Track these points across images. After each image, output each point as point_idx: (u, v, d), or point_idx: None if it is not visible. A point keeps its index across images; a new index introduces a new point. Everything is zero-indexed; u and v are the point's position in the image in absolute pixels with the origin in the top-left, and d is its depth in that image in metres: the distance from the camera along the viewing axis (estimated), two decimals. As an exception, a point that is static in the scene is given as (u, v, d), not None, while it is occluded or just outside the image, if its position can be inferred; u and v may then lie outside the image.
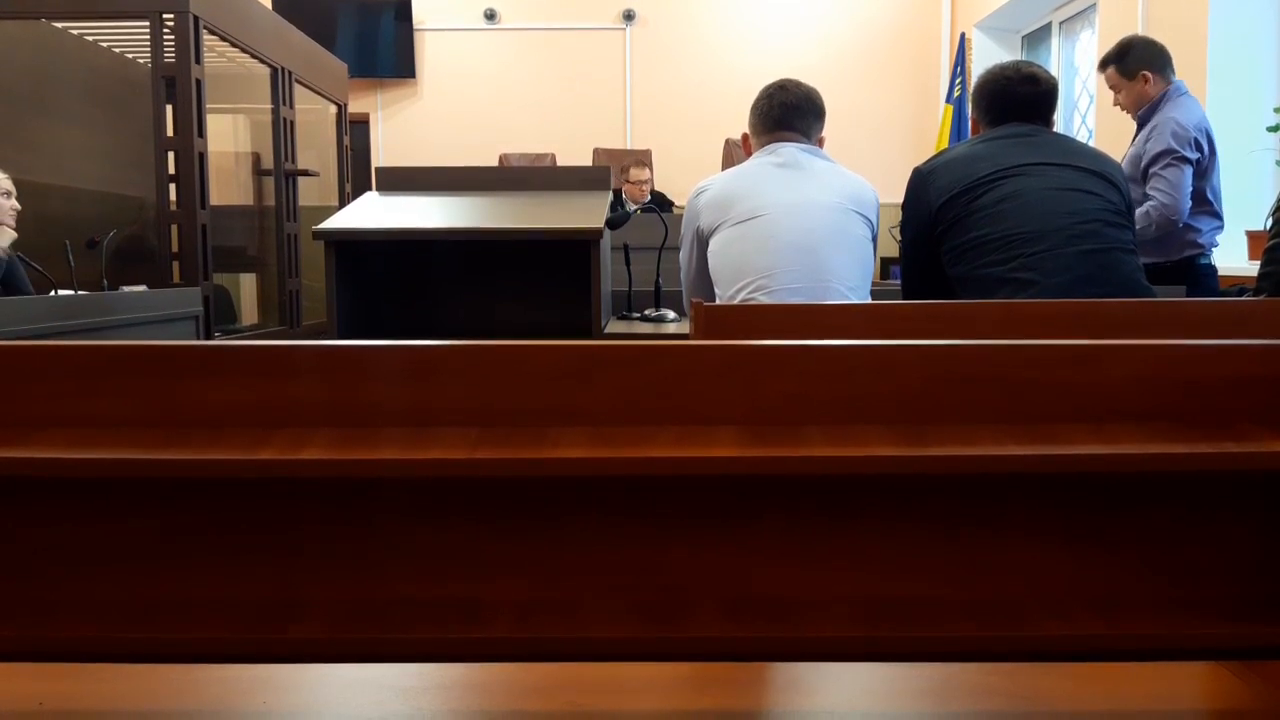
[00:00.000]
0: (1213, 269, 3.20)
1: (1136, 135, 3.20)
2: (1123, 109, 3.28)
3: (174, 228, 3.63)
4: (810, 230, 2.19)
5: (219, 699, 0.96)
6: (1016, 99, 2.18)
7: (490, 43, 7.54)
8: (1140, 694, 0.96)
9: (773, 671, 1.02)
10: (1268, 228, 2.27)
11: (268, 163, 4.55)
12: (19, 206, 3.06)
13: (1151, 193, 3.01)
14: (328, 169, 5.21)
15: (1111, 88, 3.27)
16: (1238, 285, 3.07)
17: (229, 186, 5.08)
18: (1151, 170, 3.06)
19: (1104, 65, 3.26)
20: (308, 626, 0.75)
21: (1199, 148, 3.05)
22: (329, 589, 0.76)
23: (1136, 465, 0.72)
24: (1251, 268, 3.17)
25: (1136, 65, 3.18)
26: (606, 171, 3.17)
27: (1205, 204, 3.12)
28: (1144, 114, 3.20)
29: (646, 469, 0.72)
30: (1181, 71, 3.23)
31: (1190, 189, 3.04)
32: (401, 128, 7.58)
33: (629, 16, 7.49)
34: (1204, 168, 3.07)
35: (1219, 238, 3.21)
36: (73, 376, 0.73)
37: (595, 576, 0.77)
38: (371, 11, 7.35)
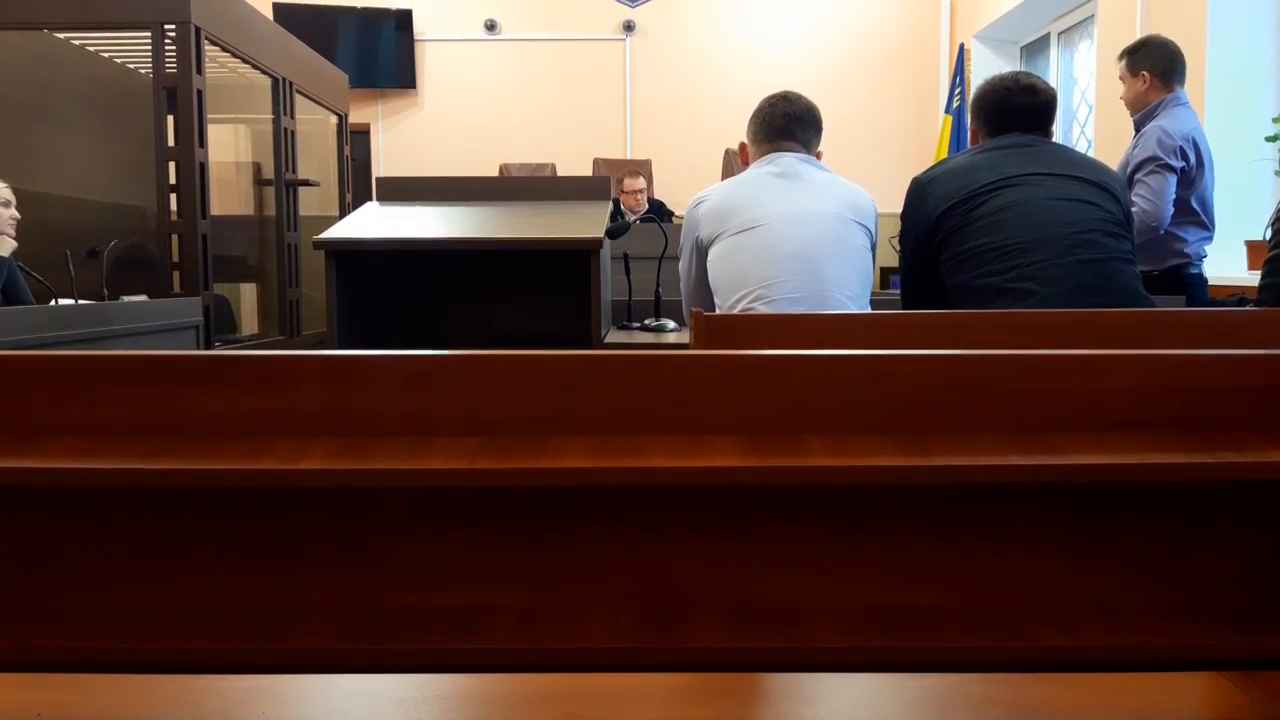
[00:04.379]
0: (1202, 279, 3.21)
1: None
2: (1125, 105, 3.30)
3: (174, 237, 3.63)
4: (809, 240, 2.20)
5: (218, 709, 0.96)
6: (1015, 109, 2.18)
7: (491, 53, 7.57)
8: (1140, 704, 0.96)
9: (773, 681, 1.02)
10: (1267, 238, 2.27)
11: (268, 173, 4.56)
12: (18, 215, 3.06)
13: (1134, 199, 3.02)
14: (328, 179, 5.22)
15: (1119, 79, 3.30)
16: (1238, 295, 3.08)
17: (230, 196, 5.09)
18: (1135, 177, 3.07)
19: (1119, 57, 3.29)
20: (307, 636, 0.75)
21: (1185, 157, 3.05)
22: (329, 598, 0.76)
23: (1136, 475, 0.72)
24: (1251, 277, 3.17)
25: (1141, 64, 3.20)
26: (606, 181, 3.17)
27: (1192, 214, 3.12)
28: (1140, 119, 3.22)
29: (646, 479, 0.72)
30: (1181, 81, 3.25)
31: (1173, 197, 3.05)
32: (402, 138, 7.60)
33: (629, 27, 7.51)
34: (1191, 178, 3.08)
35: (1208, 248, 3.21)
36: (73, 386, 0.73)
37: (594, 586, 0.77)
38: (372, 22, 7.38)
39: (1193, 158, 3.07)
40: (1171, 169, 3.03)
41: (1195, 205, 3.12)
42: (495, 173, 7.18)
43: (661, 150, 7.41)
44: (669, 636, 0.75)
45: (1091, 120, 5.61)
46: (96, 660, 0.77)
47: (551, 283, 3.04)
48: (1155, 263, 3.12)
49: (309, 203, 4.74)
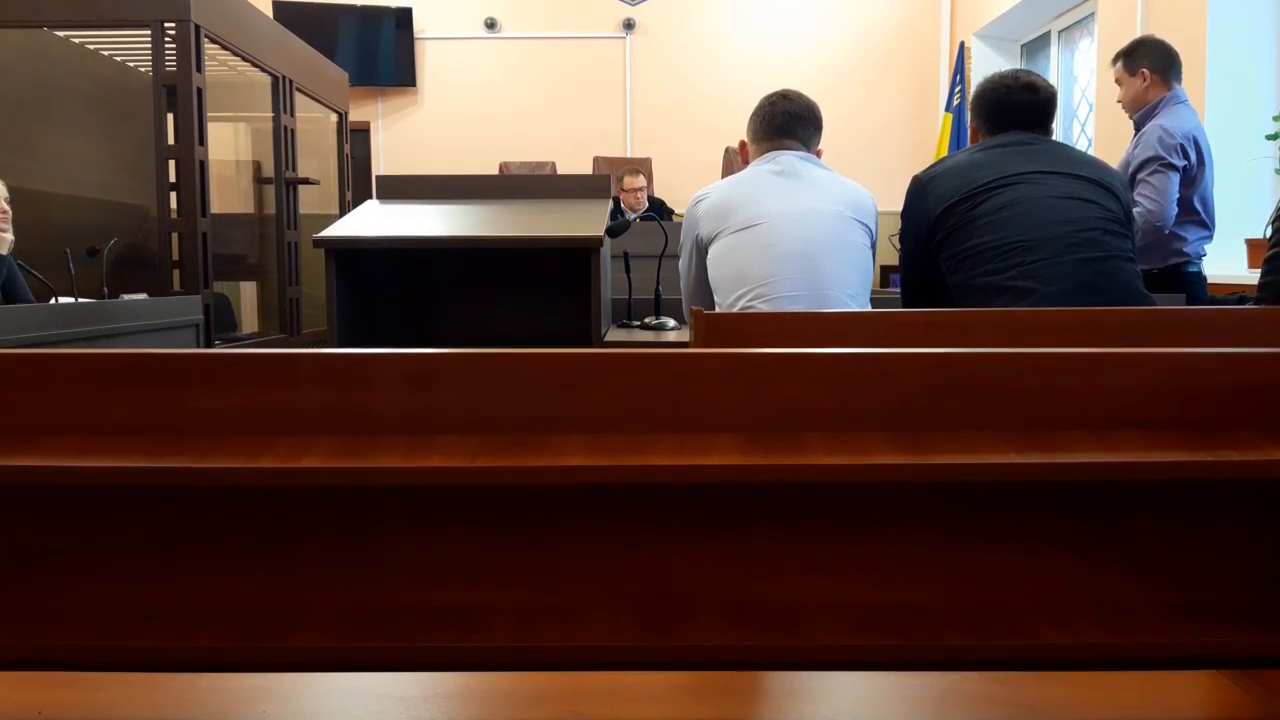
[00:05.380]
0: (1201, 278, 3.20)
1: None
2: (1123, 107, 3.30)
3: (175, 236, 3.63)
4: (809, 238, 2.20)
5: (219, 708, 0.96)
6: (1015, 107, 2.18)
7: (491, 51, 7.56)
8: (1141, 702, 0.96)
9: (772, 680, 1.02)
10: (1267, 236, 2.27)
11: (268, 171, 4.56)
12: (8, 209, 3.04)
13: (1138, 199, 3.02)
14: (328, 177, 5.22)
15: (1116, 82, 3.30)
16: (1238, 293, 3.08)
17: (230, 194, 5.09)
18: (1139, 177, 3.07)
19: (1114, 60, 3.29)
20: (308, 635, 0.75)
21: (1186, 155, 3.05)
22: (329, 597, 0.76)
23: (1137, 473, 0.72)
24: (1251, 276, 3.17)
25: (1139, 62, 3.20)
26: (606, 179, 3.17)
27: (1192, 213, 3.12)
28: (1140, 118, 3.21)
29: (646, 477, 0.72)
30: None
31: (1177, 196, 3.04)
32: (402, 136, 7.59)
33: (629, 25, 7.51)
34: (1191, 176, 3.08)
35: (1207, 247, 3.21)
36: (73, 384, 0.73)
37: (594, 584, 0.77)
38: (372, 20, 7.37)
39: (1194, 156, 3.07)
40: (1174, 168, 3.03)
41: (1196, 204, 3.11)
42: (495, 171, 7.18)
43: (661, 148, 7.41)
44: (669, 635, 0.75)
45: (1092, 118, 5.60)
46: (97, 659, 0.77)
47: (551, 281, 3.04)
48: (1155, 261, 3.12)
49: (309, 201, 4.74)
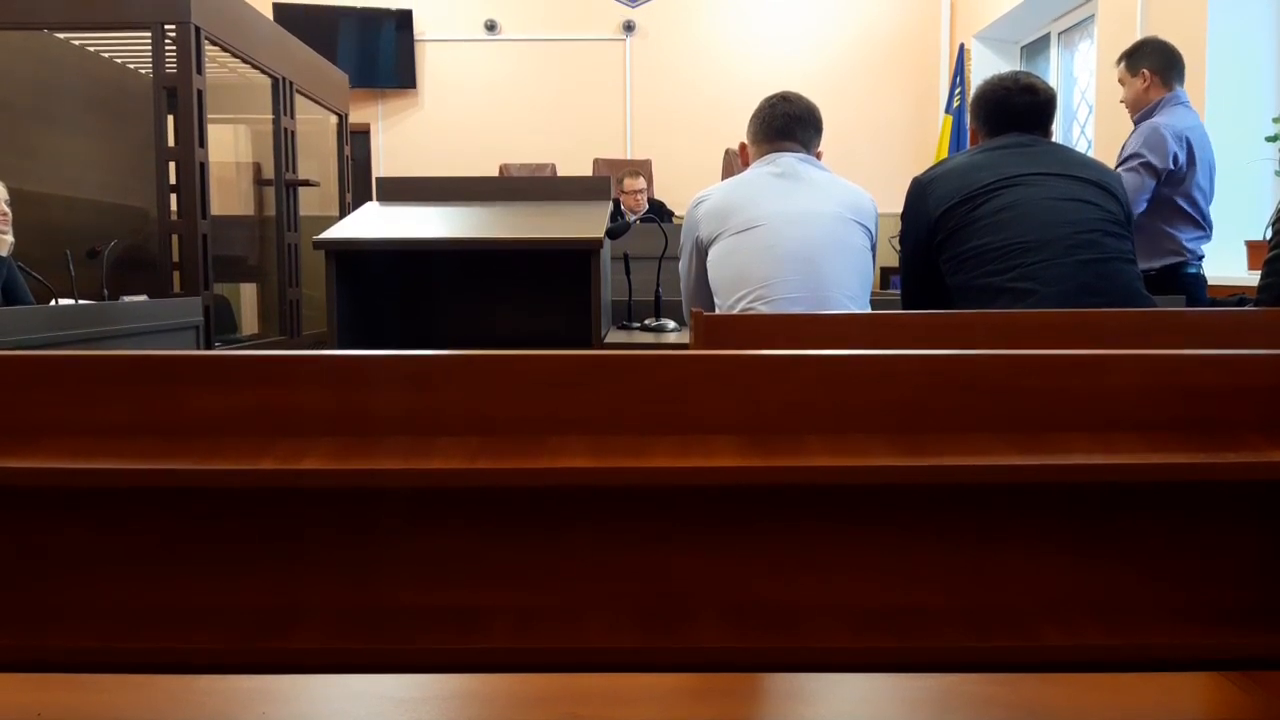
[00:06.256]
0: (1201, 279, 3.20)
1: None
2: (1125, 107, 3.31)
3: (175, 237, 3.63)
4: (809, 240, 2.20)
5: (218, 709, 0.96)
6: (1015, 109, 2.18)
7: (491, 53, 7.57)
8: (1141, 704, 0.96)
9: (773, 681, 1.02)
10: (1267, 238, 2.27)
11: (268, 173, 4.56)
12: (8, 211, 3.04)
13: None
14: (328, 179, 5.21)
15: (1119, 81, 3.31)
16: (1238, 295, 3.08)
17: (230, 196, 5.09)
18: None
19: (1118, 60, 3.30)
20: (307, 636, 0.75)
21: (1175, 159, 3.05)
22: (328, 598, 0.76)
23: (1136, 475, 0.72)
24: (1251, 277, 3.17)
25: (1140, 63, 3.21)
26: (606, 181, 3.17)
27: (1181, 212, 3.12)
28: (1140, 119, 3.22)
29: (646, 479, 0.72)
30: (1182, 81, 3.25)
31: (1148, 194, 3.05)
32: (402, 138, 7.60)
33: (629, 27, 7.51)
34: (1181, 176, 3.08)
35: (1205, 247, 3.21)
36: (73, 386, 0.73)
37: (594, 586, 0.77)
38: (373, 22, 7.38)
39: (1183, 156, 3.07)
40: (1152, 168, 3.04)
41: (1183, 203, 3.11)
42: (495, 173, 7.18)
43: (661, 150, 7.41)
44: (669, 636, 0.75)
45: (1091, 120, 5.61)
46: (96, 660, 0.77)
47: (551, 283, 3.04)
48: (1151, 260, 3.11)
49: (309, 203, 4.74)
